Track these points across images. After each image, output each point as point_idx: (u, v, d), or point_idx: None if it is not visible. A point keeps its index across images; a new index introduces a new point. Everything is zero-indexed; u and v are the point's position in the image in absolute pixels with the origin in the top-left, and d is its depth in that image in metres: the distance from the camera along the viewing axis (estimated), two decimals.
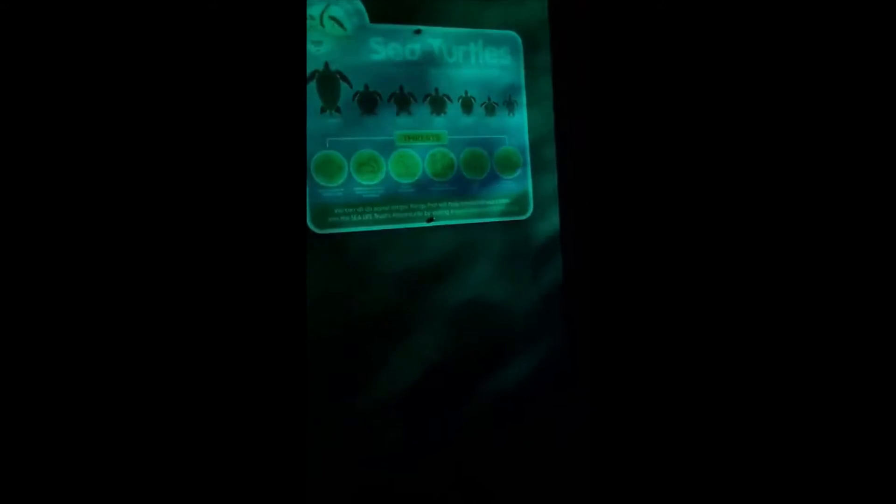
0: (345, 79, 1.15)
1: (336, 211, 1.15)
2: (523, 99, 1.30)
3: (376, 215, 1.19)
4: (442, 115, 1.22)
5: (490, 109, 1.27)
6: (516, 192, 1.31)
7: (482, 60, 1.25)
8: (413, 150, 1.21)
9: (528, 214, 1.33)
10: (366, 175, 1.17)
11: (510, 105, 1.28)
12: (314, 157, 1.13)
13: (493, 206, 1.29)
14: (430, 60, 1.21)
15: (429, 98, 1.21)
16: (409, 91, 1.19)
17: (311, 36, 1.12)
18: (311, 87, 1.13)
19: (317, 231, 1.14)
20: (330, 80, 1.13)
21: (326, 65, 1.13)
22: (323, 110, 1.13)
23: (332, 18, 1.13)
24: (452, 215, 1.25)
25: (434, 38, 1.21)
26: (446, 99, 1.22)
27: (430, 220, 1.23)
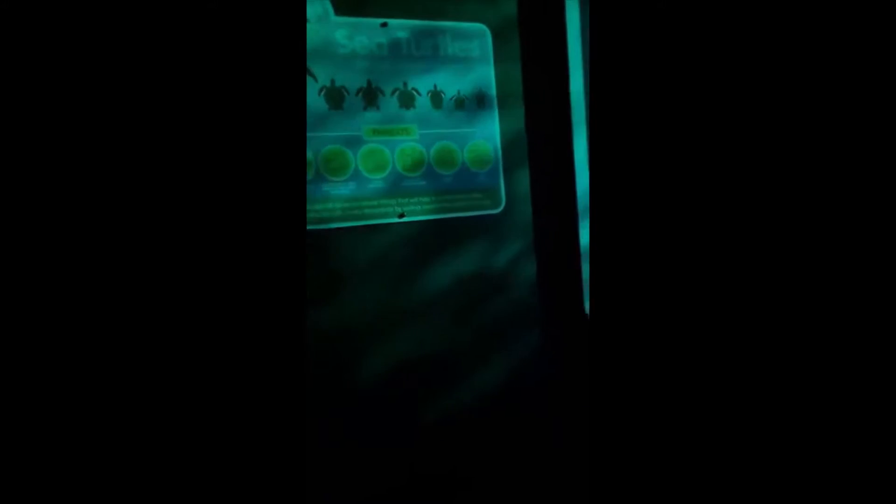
0: (310, 74, 1.13)
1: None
2: (494, 92, 1.29)
3: (346, 211, 1.17)
4: (411, 109, 1.21)
5: (460, 103, 1.26)
6: (488, 186, 1.30)
7: (451, 54, 1.24)
8: (382, 145, 1.19)
9: (501, 208, 1.32)
10: (334, 171, 1.16)
11: (480, 98, 1.27)
12: None
13: (465, 201, 1.28)
14: (397, 54, 1.19)
15: (397, 92, 1.20)
16: (376, 85, 1.18)
17: None
18: None
19: None
20: None
21: None
22: None
23: None
24: (424, 210, 1.24)
25: (401, 31, 1.19)
26: (415, 93, 1.21)
27: (402, 215, 1.22)
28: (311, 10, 1.13)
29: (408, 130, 1.21)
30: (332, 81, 1.15)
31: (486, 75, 1.28)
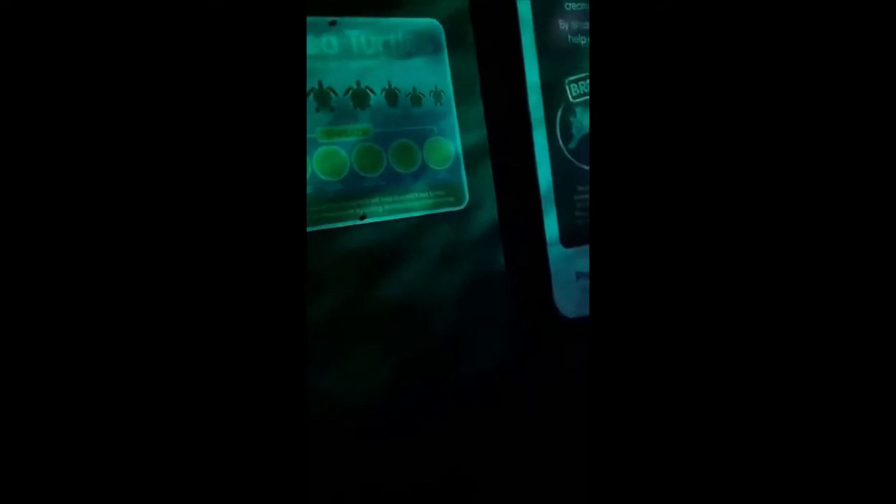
0: None
1: None
2: (450, 87, 1.27)
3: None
4: (366, 108, 1.19)
5: (416, 100, 1.24)
6: (450, 183, 1.29)
7: (404, 50, 1.22)
8: (338, 147, 1.17)
9: (465, 204, 1.31)
10: None
11: (437, 94, 1.26)
12: None
13: (427, 199, 1.26)
14: (348, 53, 1.17)
15: (350, 91, 1.17)
16: (328, 85, 1.15)
17: None
18: None
19: None
20: None
21: None
22: None
23: None
24: (386, 211, 1.22)
25: (351, 28, 1.17)
26: (369, 91, 1.19)
27: (363, 217, 1.20)
28: None
29: (364, 130, 1.19)
30: None
31: (441, 71, 1.26)
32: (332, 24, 1.15)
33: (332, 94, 1.15)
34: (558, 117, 1.36)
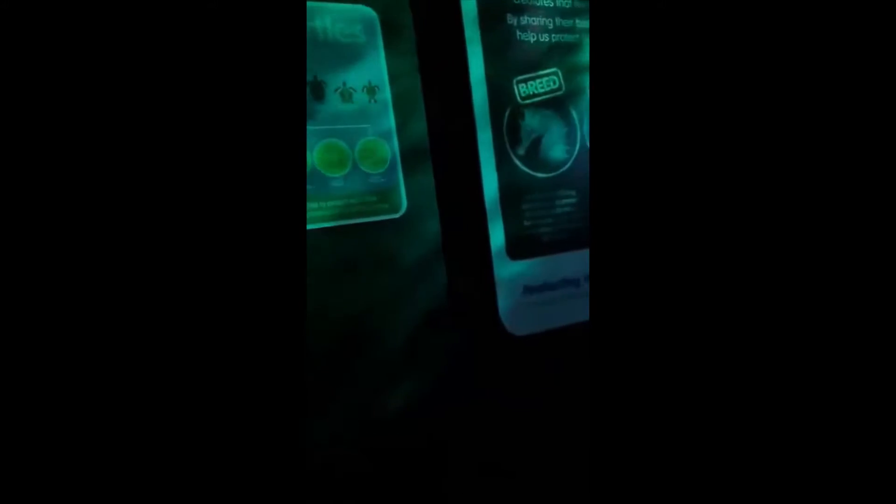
0: None
1: None
2: (386, 81, 1.16)
3: None
4: None
5: (346, 95, 1.11)
6: (385, 188, 1.17)
7: (332, 39, 1.09)
8: None
9: (402, 212, 1.19)
10: None
11: (371, 90, 1.14)
12: None
13: (359, 206, 1.14)
14: None
15: None
16: None
17: None
18: None
19: None
20: None
21: None
22: None
23: None
24: (312, 219, 1.09)
25: None
26: None
27: None
28: None
29: None
30: None
31: (375, 64, 1.15)
32: None
33: None
34: (506, 119, 1.26)
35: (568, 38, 1.34)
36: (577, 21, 1.34)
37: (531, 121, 1.29)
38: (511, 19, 1.25)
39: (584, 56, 1.36)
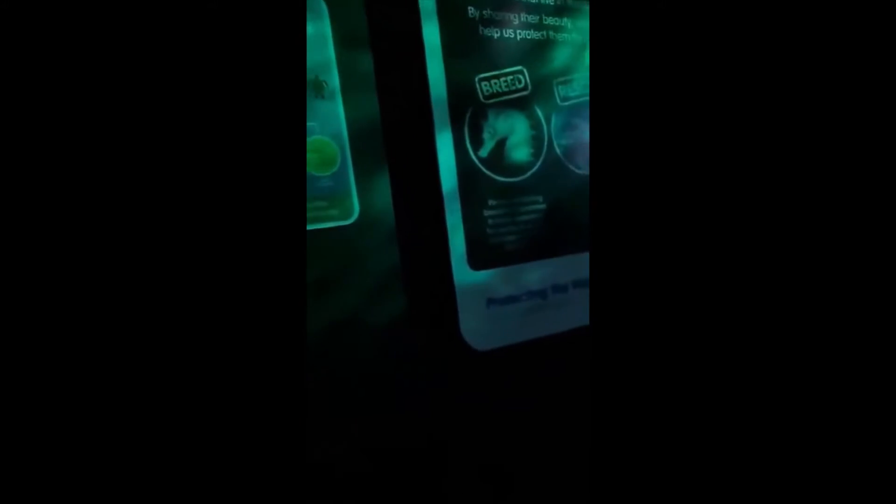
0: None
1: None
2: (335, 78, 1.08)
3: None
4: None
5: None
6: (335, 193, 1.09)
7: None
8: None
9: (353, 219, 1.11)
10: None
11: (318, 85, 1.06)
12: None
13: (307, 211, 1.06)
14: None
15: None
16: None
17: None
18: None
19: None
20: None
21: None
22: None
23: None
24: None
25: None
26: None
27: None
28: None
29: None
30: None
31: (323, 57, 1.06)
32: None
33: None
34: (467, 119, 1.19)
35: (535, 34, 1.27)
36: (545, 17, 1.28)
37: (494, 121, 1.23)
38: (473, 12, 1.18)
39: (552, 54, 1.30)
